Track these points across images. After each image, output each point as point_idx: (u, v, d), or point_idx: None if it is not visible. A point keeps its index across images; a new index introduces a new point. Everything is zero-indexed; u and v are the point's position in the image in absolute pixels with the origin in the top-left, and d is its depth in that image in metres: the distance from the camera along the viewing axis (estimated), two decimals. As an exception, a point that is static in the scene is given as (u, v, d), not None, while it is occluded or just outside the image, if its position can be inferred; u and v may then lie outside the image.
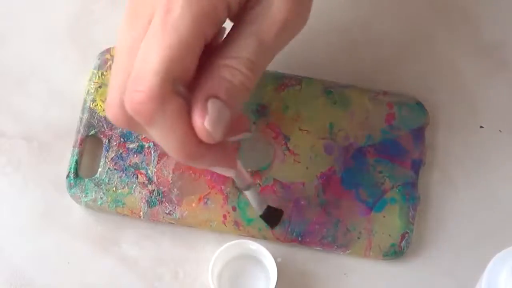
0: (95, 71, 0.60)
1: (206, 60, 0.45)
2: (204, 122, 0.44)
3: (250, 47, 0.45)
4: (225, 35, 0.47)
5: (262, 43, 0.45)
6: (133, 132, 0.57)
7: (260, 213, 0.55)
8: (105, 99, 0.59)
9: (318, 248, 0.58)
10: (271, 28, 0.45)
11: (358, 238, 0.57)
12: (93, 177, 0.58)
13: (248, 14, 0.46)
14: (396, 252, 0.57)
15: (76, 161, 0.58)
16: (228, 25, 0.46)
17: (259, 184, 0.58)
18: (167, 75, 0.42)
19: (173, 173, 0.58)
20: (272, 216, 0.56)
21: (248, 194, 0.54)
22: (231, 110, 0.45)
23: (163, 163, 0.58)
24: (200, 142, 0.44)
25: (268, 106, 0.59)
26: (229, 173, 0.49)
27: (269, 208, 0.56)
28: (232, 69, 0.45)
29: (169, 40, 0.43)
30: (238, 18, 0.46)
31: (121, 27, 0.46)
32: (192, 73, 0.44)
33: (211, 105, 0.44)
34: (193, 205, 0.58)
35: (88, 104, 0.59)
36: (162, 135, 0.44)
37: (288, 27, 0.46)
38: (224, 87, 0.44)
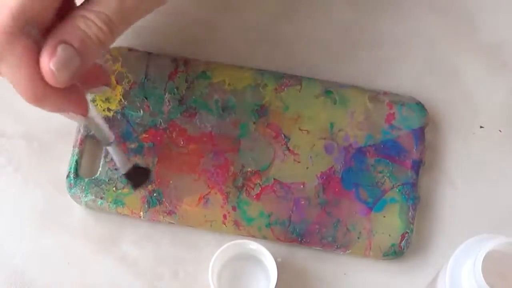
0: (95, 71, 0.60)
1: (69, 13, 0.47)
2: (50, 63, 0.45)
3: (111, 4, 0.47)
4: None
5: (123, 4, 0.47)
6: None
7: (124, 172, 0.54)
8: (105, 98, 0.59)
9: (318, 248, 0.58)
10: None
11: (358, 238, 0.57)
12: (93, 177, 0.58)
13: None
14: (396, 252, 0.57)
15: (76, 161, 0.58)
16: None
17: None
18: (20, 13, 0.44)
19: (173, 173, 0.58)
20: (137, 176, 0.54)
21: (110, 150, 0.53)
22: (82, 59, 0.46)
23: (163, 163, 0.58)
24: (47, 84, 0.46)
25: (268, 106, 0.59)
26: (81, 120, 0.50)
27: (135, 167, 0.54)
28: (88, 20, 0.47)
29: None
30: None
31: None
32: (48, 18, 0.46)
33: (60, 49, 0.46)
34: (193, 205, 0.57)
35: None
36: (12, 72, 0.46)
37: None
38: (77, 35, 0.46)
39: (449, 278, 0.47)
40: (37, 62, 0.46)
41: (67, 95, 0.48)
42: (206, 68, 0.60)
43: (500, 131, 0.61)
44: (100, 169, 0.58)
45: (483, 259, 0.45)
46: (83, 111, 0.49)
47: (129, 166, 0.53)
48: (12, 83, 0.46)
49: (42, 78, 0.46)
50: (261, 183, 0.58)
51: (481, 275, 0.44)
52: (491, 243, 0.45)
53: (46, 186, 0.59)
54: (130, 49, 0.60)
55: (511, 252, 0.46)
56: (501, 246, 0.45)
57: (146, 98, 0.59)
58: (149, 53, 0.60)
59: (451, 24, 0.63)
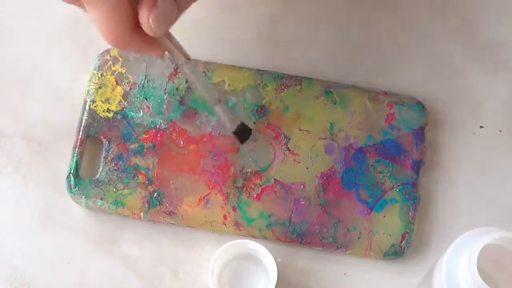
0: (95, 72, 0.60)
1: None
2: (150, 16, 0.44)
3: None
4: None
5: None
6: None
7: (232, 130, 0.53)
8: (105, 98, 0.59)
9: (318, 248, 0.58)
10: None
11: (358, 238, 0.57)
12: (94, 178, 0.58)
13: None
14: (396, 252, 0.57)
15: (76, 162, 0.58)
16: None
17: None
18: None
19: (173, 173, 0.58)
20: (243, 133, 0.54)
21: (218, 109, 0.52)
22: (180, 11, 0.45)
23: (163, 164, 0.58)
24: (134, 31, 0.45)
25: (268, 106, 0.59)
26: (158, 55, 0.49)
27: (242, 124, 0.54)
28: None
29: None
30: None
31: None
32: None
33: (160, 1, 0.44)
34: (193, 205, 0.57)
35: (88, 105, 0.59)
36: (101, 12, 0.44)
37: None
38: None
39: (445, 271, 0.47)
40: (128, 9, 0.44)
41: (151, 41, 0.46)
42: (206, 68, 0.60)
43: (500, 131, 0.61)
44: (100, 170, 0.58)
45: (482, 251, 0.45)
46: (159, 53, 0.48)
47: (237, 123, 0.53)
48: (95, 22, 0.45)
49: (130, 25, 0.44)
50: (261, 184, 0.58)
51: (476, 268, 0.44)
52: (488, 237, 0.45)
53: (46, 186, 0.59)
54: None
55: (508, 246, 0.46)
56: (497, 240, 0.45)
57: (146, 99, 0.59)
58: (149, 54, 0.60)
59: (451, 24, 0.63)
